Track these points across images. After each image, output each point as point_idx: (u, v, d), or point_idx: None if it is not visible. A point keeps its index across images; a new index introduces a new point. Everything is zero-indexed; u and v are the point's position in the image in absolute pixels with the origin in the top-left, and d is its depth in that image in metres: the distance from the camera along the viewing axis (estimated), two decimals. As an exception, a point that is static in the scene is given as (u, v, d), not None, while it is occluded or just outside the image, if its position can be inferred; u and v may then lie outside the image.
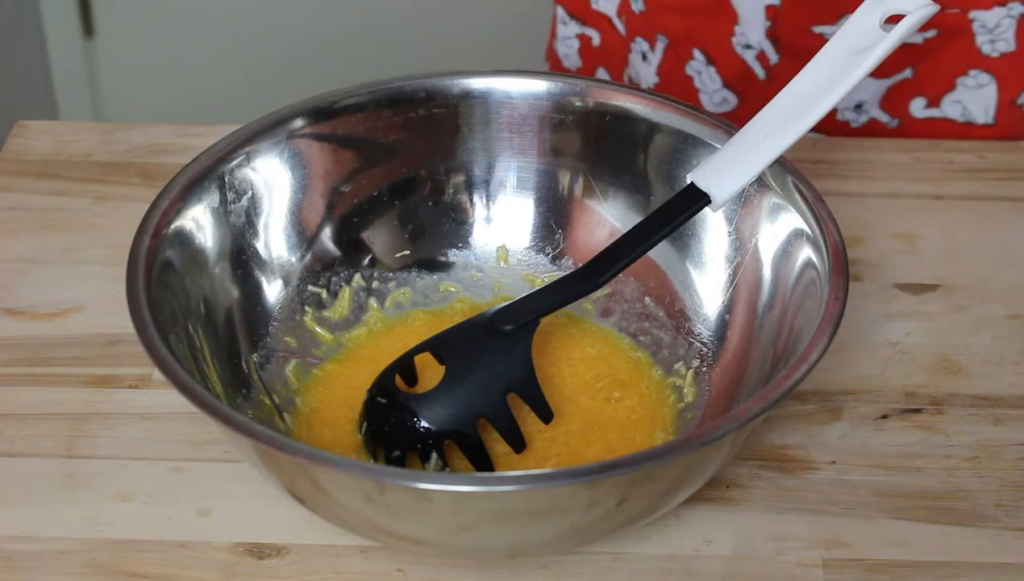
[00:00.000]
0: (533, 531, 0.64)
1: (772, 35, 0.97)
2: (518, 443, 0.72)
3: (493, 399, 0.72)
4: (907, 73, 0.98)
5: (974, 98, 0.98)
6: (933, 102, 0.98)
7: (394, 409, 0.72)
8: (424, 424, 0.72)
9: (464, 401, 0.72)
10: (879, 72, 0.96)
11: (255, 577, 0.68)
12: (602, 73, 1.09)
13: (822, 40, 0.95)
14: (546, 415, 0.73)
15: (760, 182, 0.74)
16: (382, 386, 0.73)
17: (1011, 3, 0.94)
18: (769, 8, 0.95)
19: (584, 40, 1.08)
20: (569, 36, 1.08)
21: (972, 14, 0.94)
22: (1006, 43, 0.95)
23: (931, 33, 0.95)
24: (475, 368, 0.73)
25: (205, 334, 0.71)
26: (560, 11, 1.09)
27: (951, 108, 0.98)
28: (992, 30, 0.95)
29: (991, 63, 0.97)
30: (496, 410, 0.72)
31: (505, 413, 0.72)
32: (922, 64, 0.97)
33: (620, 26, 1.04)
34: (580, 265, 0.74)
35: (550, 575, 0.69)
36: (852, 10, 0.91)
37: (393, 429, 0.72)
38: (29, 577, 0.68)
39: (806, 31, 0.96)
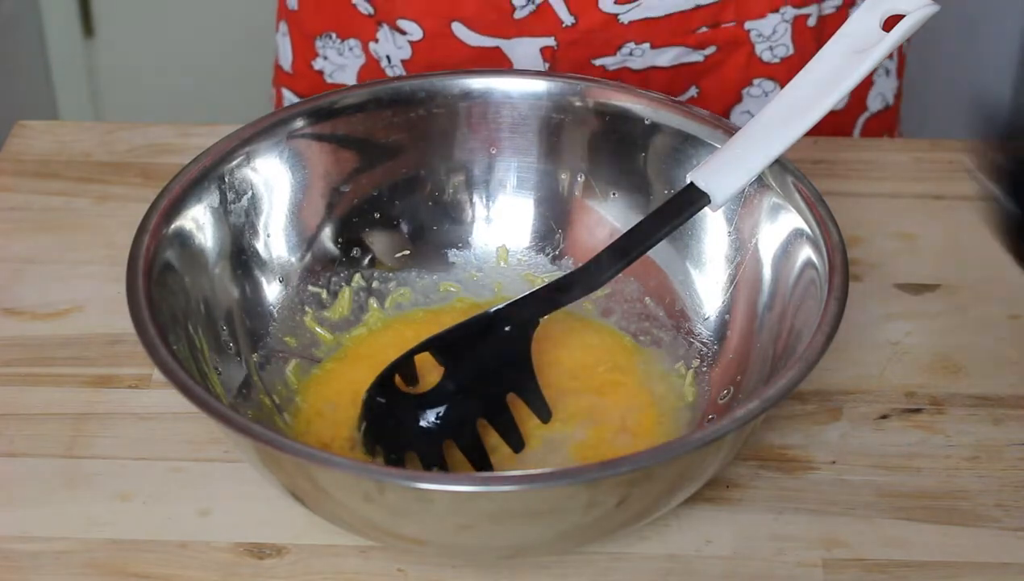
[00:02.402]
0: (533, 531, 0.64)
1: None
2: (517, 443, 0.72)
3: (493, 400, 0.72)
4: (692, 92, 0.98)
5: (761, 106, 0.97)
6: (722, 116, 0.97)
7: (394, 409, 0.72)
8: (423, 424, 0.72)
9: (463, 401, 0.72)
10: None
11: (255, 577, 0.68)
12: None
13: (603, 71, 0.95)
14: (545, 415, 0.73)
15: (760, 182, 0.74)
16: (382, 386, 0.73)
17: (783, 7, 0.94)
18: (545, 49, 0.93)
19: None
20: None
21: (748, 25, 0.94)
22: (785, 48, 0.95)
23: (711, 49, 0.95)
24: (475, 368, 0.73)
25: (205, 334, 0.71)
26: (287, 93, 1.05)
27: (740, 119, 0.98)
28: (769, 37, 0.94)
29: (773, 69, 0.96)
30: (496, 410, 0.72)
31: (504, 413, 0.72)
32: (705, 81, 0.97)
33: None
34: (580, 265, 0.74)
35: (550, 575, 0.69)
36: (630, 39, 0.91)
37: (392, 429, 0.72)
38: (29, 577, 0.68)
39: (587, 64, 0.95)
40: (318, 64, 1.00)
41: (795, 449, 0.75)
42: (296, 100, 1.04)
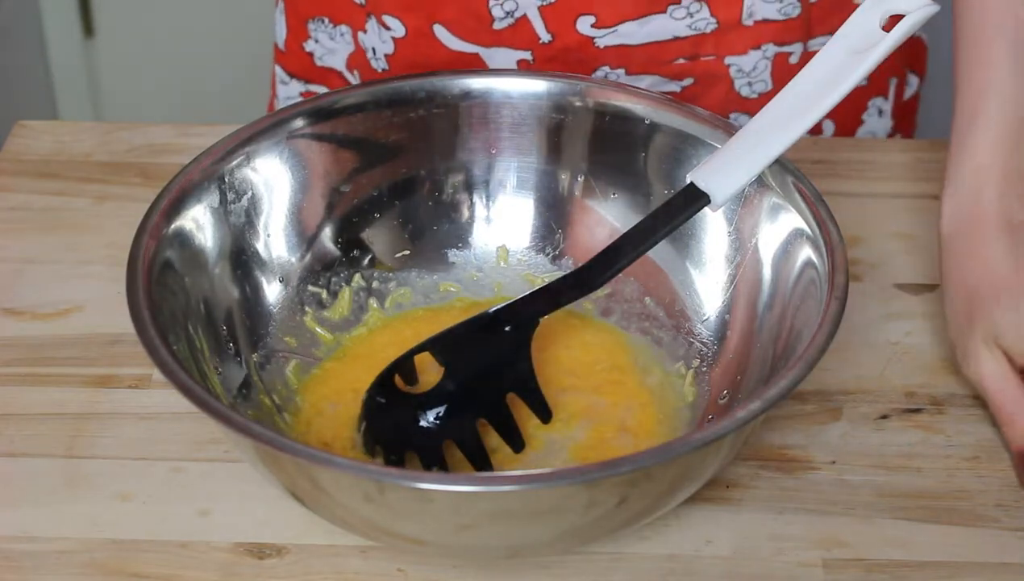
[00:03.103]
0: (533, 531, 0.64)
1: None
2: (518, 444, 0.72)
3: (493, 399, 0.72)
4: None
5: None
6: None
7: (393, 409, 0.72)
8: (423, 424, 0.72)
9: (463, 401, 0.72)
10: None
11: (255, 577, 0.68)
12: None
13: (573, 74, 0.94)
14: (545, 415, 0.73)
15: (760, 182, 0.74)
16: (382, 386, 0.73)
17: (765, 45, 0.93)
18: (522, 62, 0.93)
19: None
20: (292, 96, 1.04)
21: (728, 60, 0.93)
22: (764, 84, 0.95)
23: (688, 81, 0.94)
24: (475, 368, 0.73)
25: (205, 334, 0.71)
26: (279, 71, 1.05)
27: None
28: (749, 73, 0.94)
29: (751, 104, 0.96)
30: (495, 410, 0.72)
31: (504, 413, 0.72)
32: None
33: (353, 80, 1.01)
34: (580, 265, 0.74)
35: (550, 575, 0.69)
36: (606, 63, 0.91)
37: (392, 429, 0.72)
38: (29, 577, 0.68)
39: None
40: (309, 46, 1.01)
41: (795, 449, 0.75)
42: (287, 78, 1.04)
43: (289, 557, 0.69)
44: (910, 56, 1.03)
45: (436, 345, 0.73)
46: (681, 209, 0.72)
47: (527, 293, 0.73)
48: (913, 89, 1.04)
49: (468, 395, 0.72)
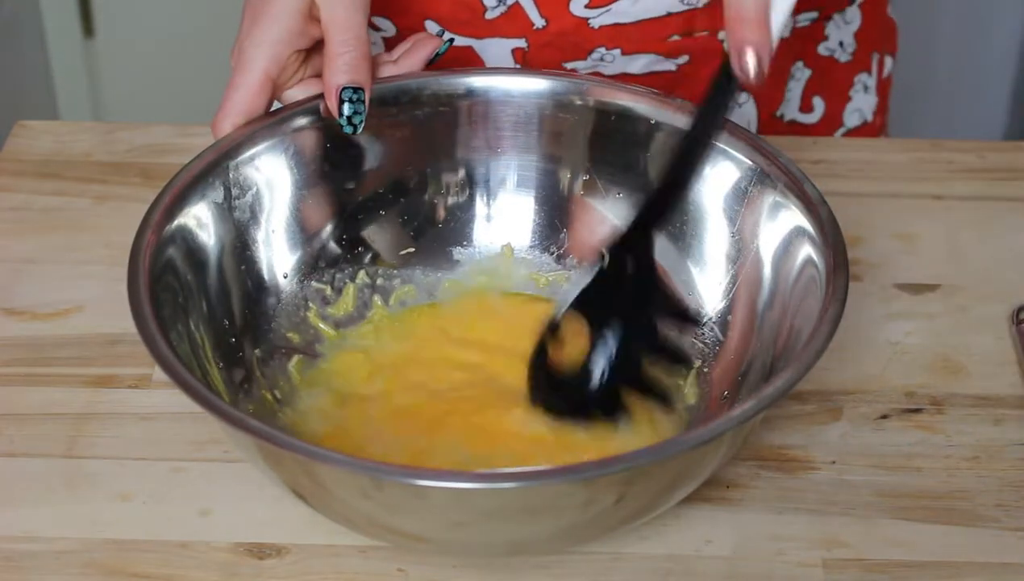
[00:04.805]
0: (531, 528, 0.64)
1: None
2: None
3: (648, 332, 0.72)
4: None
5: (734, 117, 0.97)
6: None
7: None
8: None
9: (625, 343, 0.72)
10: None
11: (255, 577, 0.68)
12: None
13: (575, 74, 0.93)
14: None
15: (761, 182, 0.74)
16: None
17: None
18: (517, 51, 0.93)
19: None
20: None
21: (721, 35, 0.92)
22: None
23: (683, 59, 0.93)
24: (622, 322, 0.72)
25: (207, 329, 0.71)
26: None
27: None
28: None
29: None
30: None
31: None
32: (679, 90, 0.95)
33: None
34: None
35: (550, 575, 0.69)
36: (601, 44, 0.90)
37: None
38: (29, 577, 0.68)
39: (558, 68, 0.94)
40: None
41: (795, 449, 0.75)
42: None
43: (289, 557, 0.69)
44: (886, 34, 1.03)
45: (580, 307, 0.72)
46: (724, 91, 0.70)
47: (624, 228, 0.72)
48: (888, 68, 1.04)
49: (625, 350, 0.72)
